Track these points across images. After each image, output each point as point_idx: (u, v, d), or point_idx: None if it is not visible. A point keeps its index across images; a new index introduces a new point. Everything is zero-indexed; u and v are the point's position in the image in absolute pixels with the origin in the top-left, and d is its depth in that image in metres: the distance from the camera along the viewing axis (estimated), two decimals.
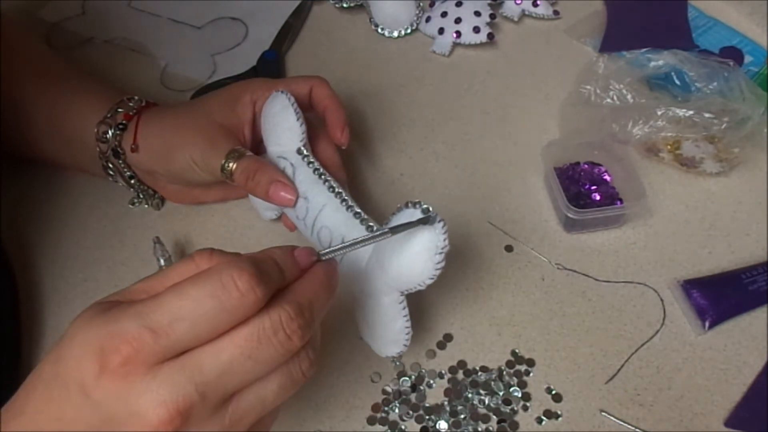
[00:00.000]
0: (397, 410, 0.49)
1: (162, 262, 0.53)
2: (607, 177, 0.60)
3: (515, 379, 0.50)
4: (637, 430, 0.48)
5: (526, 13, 0.75)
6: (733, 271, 0.55)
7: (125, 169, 0.55)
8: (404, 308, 0.45)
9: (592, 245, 0.58)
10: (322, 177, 0.50)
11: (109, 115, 0.54)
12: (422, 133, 0.66)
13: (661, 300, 0.55)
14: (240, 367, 0.31)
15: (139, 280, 0.33)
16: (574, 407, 0.49)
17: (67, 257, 0.57)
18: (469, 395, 0.50)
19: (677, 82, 0.65)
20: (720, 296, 0.53)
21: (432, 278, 0.42)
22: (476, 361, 0.52)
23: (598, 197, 0.59)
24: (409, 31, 0.74)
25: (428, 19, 0.74)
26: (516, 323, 0.54)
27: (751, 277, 0.54)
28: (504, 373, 0.51)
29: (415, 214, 0.40)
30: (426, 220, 0.40)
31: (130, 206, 0.60)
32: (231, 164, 0.50)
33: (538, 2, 0.74)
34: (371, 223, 0.47)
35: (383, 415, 0.49)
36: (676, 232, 0.59)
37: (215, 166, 0.51)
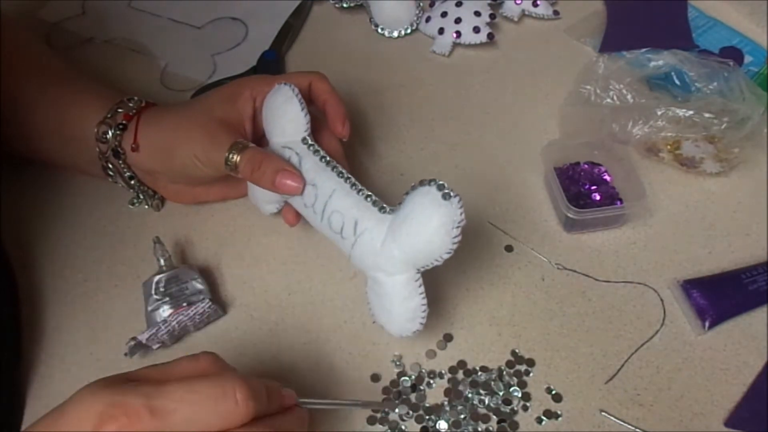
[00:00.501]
0: (397, 410, 0.49)
1: (162, 262, 0.53)
2: (607, 177, 0.60)
3: (515, 379, 0.50)
4: (637, 430, 0.48)
5: (526, 13, 0.75)
6: (733, 271, 0.55)
7: (125, 170, 0.55)
8: (420, 285, 0.46)
9: (592, 245, 0.58)
10: (330, 164, 0.50)
11: (109, 116, 0.54)
12: (422, 133, 0.66)
13: (661, 300, 0.55)
14: None
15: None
16: (574, 407, 0.49)
17: (67, 257, 0.57)
18: (469, 395, 0.50)
19: (677, 82, 0.65)
20: (720, 296, 0.53)
21: (449, 252, 0.43)
22: (476, 361, 0.52)
23: (598, 197, 0.59)
24: (409, 31, 0.74)
25: (428, 19, 0.74)
26: (516, 323, 0.54)
27: (751, 277, 0.54)
28: (504, 373, 0.51)
29: (431, 191, 0.43)
30: None
31: (130, 206, 0.60)
32: (235, 156, 0.50)
33: (538, 2, 0.75)
34: (383, 205, 0.47)
35: (383, 415, 0.49)
36: (676, 232, 0.59)
37: (218, 159, 0.50)
